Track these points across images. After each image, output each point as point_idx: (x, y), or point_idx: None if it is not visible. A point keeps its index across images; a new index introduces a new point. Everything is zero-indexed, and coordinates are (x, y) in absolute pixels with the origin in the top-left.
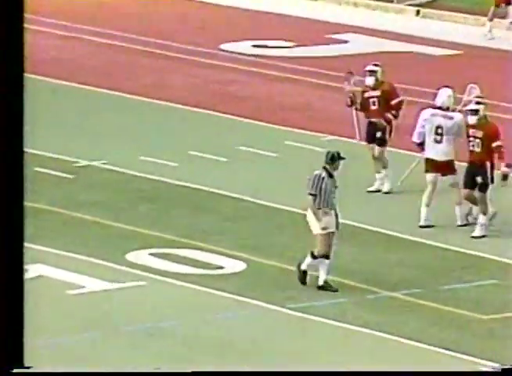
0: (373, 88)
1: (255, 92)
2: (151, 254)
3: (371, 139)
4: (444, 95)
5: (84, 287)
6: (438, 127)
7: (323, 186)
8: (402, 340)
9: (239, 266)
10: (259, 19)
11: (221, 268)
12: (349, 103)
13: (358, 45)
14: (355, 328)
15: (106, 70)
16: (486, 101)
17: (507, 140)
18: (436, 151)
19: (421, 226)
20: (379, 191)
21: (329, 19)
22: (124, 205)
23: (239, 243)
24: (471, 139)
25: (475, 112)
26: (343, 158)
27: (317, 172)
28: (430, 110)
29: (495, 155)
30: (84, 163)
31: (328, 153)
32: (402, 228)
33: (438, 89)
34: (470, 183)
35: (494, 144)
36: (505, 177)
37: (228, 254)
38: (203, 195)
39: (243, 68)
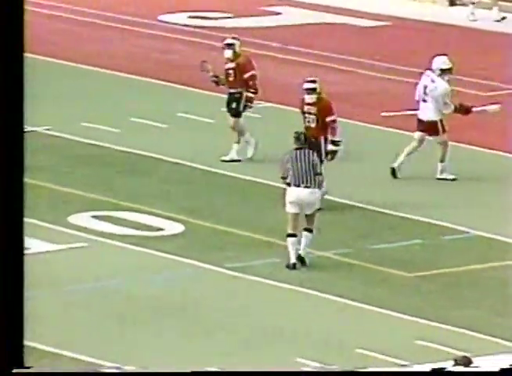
0: (231, 61)
1: (193, 60)
2: (93, 216)
3: (228, 108)
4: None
5: (29, 248)
6: (424, 87)
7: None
8: (333, 297)
9: (177, 228)
10: None
11: (161, 230)
12: (216, 84)
13: (290, 16)
14: (289, 286)
15: (49, 39)
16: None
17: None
18: (422, 110)
19: (392, 168)
20: (235, 161)
21: None
22: (68, 170)
23: (178, 205)
24: (306, 115)
25: (312, 90)
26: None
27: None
28: (426, 72)
29: (329, 130)
30: (28, 129)
31: (295, 133)
32: (332, 191)
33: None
34: None
35: (328, 118)
36: (331, 153)
37: (167, 217)
38: (144, 160)
39: (181, 38)
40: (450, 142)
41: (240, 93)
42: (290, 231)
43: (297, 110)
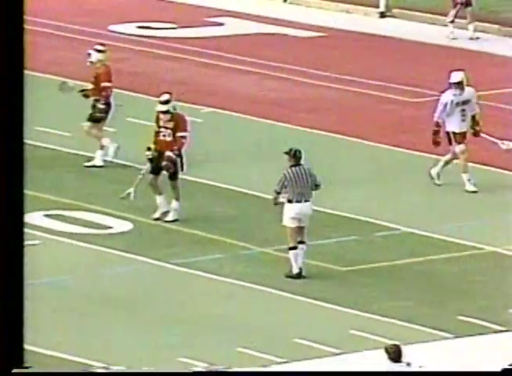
0: (96, 68)
1: (141, 68)
2: (46, 215)
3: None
4: None
5: None
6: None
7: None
8: (272, 290)
9: (126, 226)
10: (144, 4)
11: (110, 228)
12: (85, 97)
13: (232, 27)
14: (231, 281)
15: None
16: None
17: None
18: None
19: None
20: (97, 166)
21: (206, 5)
22: None
23: (127, 205)
24: (162, 129)
25: (166, 112)
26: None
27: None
28: None
29: (177, 144)
30: None
31: (290, 150)
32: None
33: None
34: (156, 170)
35: (178, 134)
36: (168, 158)
37: (116, 215)
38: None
39: (129, 47)
40: (382, 145)
41: (98, 100)
42: (291, 244)
43: (240, 115)
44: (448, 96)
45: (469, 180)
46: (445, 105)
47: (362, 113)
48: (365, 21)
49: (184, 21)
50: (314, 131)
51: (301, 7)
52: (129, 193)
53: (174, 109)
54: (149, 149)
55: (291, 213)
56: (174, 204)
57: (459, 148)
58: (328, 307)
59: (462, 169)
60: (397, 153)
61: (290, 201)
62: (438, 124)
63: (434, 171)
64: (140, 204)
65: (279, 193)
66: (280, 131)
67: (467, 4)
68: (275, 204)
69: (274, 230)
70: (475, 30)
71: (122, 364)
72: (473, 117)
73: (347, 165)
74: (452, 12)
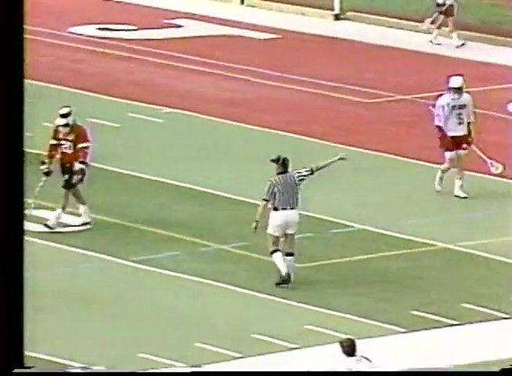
0: None
1: (101, 69)
2: None
3: None
4: None
5: None
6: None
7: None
8: (230, 287)
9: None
10: (103, 6)
11: (70, 226)
12: None
13: (191, 29)
14: (190, 277)
15: None
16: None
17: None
18: None
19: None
20: None
21: (165, 7)
22: None
23: (87, 203)
24: (63, 142)
25: (66, 125)
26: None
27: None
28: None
29: (81, 155)
30: None
31: (277, 157)
32: (233, 190)
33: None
34: (69, 185)
35: (80, 145)
36: (80, 172)
37: (75, 214)
38: (54, 162)
39: (90, 48)
40: (337, 145)
41: None
42: (274, 248)
43: (198, 115)
44: (445, 99)
45: (440, 179)
46: (442, 108)
47: (317, 113)
48: (320, 23)
49: (143, 23)
50: (269, 131)
51: (257, 9)
52: (30, 204)
53: (74, 121)
54: (43, 163)
55: (277, 221)
56: (81, 208)
57: (462, 152)
58: (285, 303)
59: (442, 167)
60: (351, 152)
61: (275, 209)
62: (440, 128)
63: (458, 187)
64: (100, 203)
65: (267, 201)
66: (237, 131)
67: (449, 14)
68: (256, 224)
69: (232, 228)
70: (438, 36)
71: (81, 360)
72: (467, 124)
73: (302, 165)
74: (429, 20)
